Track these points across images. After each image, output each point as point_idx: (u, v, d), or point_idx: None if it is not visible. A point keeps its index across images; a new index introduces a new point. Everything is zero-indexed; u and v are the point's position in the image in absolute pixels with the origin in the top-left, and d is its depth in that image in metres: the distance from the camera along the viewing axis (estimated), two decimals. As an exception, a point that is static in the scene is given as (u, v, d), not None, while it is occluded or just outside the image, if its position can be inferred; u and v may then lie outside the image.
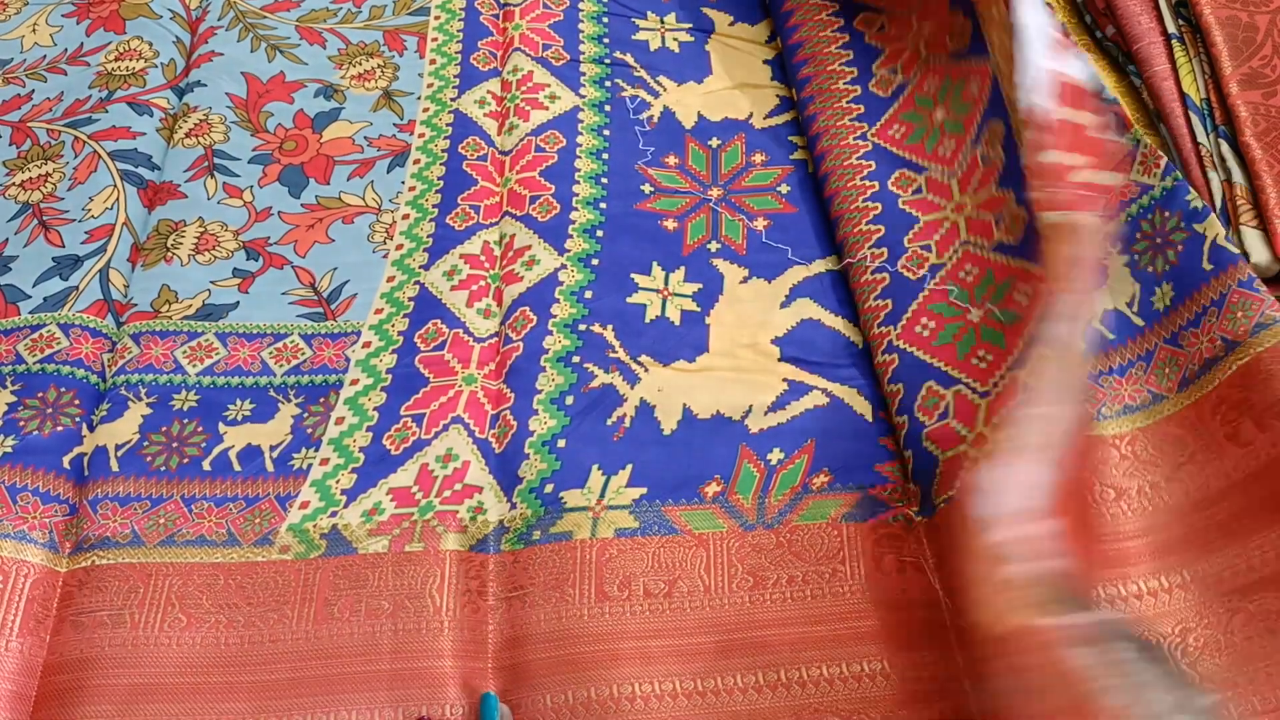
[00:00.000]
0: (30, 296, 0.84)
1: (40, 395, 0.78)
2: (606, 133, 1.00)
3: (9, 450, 0.75)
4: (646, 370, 0.84)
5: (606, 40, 1.08)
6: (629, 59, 1.07)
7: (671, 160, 0.98)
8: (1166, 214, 0.77)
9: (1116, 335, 0.77)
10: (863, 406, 0.81)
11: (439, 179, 0.96)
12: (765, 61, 1.08)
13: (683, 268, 0.90)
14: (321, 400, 0.82)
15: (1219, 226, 0.74)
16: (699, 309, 0.88)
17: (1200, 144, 0.86)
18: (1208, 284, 0.73)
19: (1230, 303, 0.71)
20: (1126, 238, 0.79)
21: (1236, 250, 0.73)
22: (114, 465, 0.77)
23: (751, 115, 1.02)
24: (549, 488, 0.77)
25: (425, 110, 1.02)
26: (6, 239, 0.89)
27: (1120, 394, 0.74)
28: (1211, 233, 0.74)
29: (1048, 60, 0.74)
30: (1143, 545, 0.69)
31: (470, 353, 0.84)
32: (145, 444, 0.78)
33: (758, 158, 0.99)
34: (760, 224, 0.93)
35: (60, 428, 0.77)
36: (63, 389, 0.79)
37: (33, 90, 1.01)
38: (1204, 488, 0.69)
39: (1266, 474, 0.66)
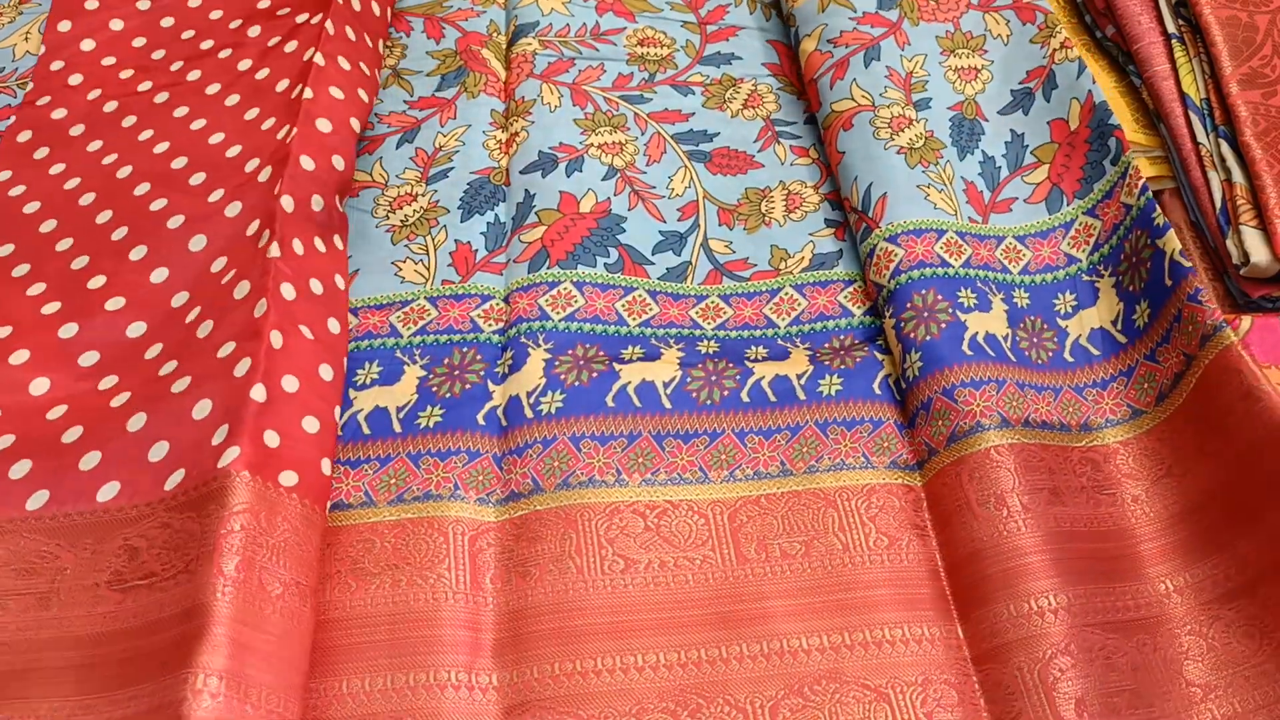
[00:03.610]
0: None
1: None
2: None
3: None
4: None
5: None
6: None
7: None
8: (1139, 232, 0.79)
9: (1101, 352, 0.78)
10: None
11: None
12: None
13: None
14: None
15: (1176, 241, 0.75)
16: None
17: (1200, 144, 0.86)
18: (1170, 300, 0.74)
19: (1184, 317, 0.72)
20: (1114, 259, 0.81)
21: (1188, 264, 0.74)
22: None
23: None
24: None
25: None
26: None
27: (1102, 407, 0.76)
28: (1170, 248, 0.75)
29: None
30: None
31: None
32: None
33: None
34: None
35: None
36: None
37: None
38: (1183, 500, 0.70)
39: (1235, 484, 0.67)
